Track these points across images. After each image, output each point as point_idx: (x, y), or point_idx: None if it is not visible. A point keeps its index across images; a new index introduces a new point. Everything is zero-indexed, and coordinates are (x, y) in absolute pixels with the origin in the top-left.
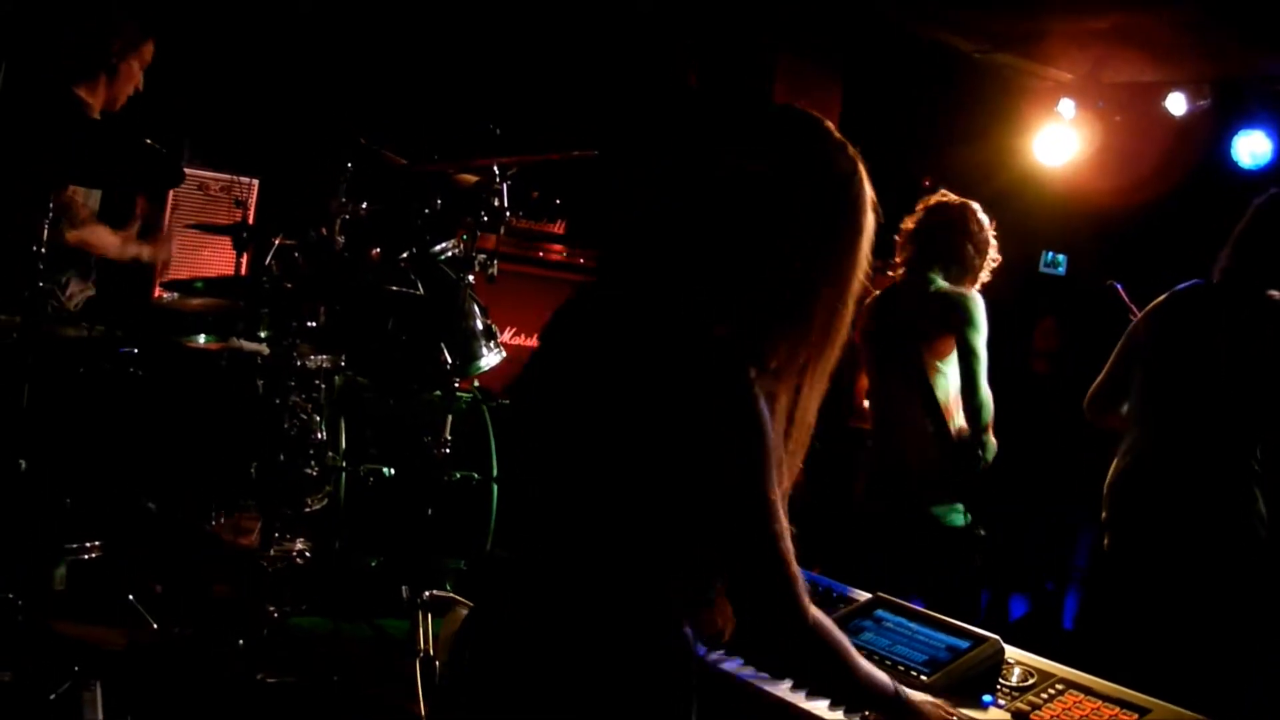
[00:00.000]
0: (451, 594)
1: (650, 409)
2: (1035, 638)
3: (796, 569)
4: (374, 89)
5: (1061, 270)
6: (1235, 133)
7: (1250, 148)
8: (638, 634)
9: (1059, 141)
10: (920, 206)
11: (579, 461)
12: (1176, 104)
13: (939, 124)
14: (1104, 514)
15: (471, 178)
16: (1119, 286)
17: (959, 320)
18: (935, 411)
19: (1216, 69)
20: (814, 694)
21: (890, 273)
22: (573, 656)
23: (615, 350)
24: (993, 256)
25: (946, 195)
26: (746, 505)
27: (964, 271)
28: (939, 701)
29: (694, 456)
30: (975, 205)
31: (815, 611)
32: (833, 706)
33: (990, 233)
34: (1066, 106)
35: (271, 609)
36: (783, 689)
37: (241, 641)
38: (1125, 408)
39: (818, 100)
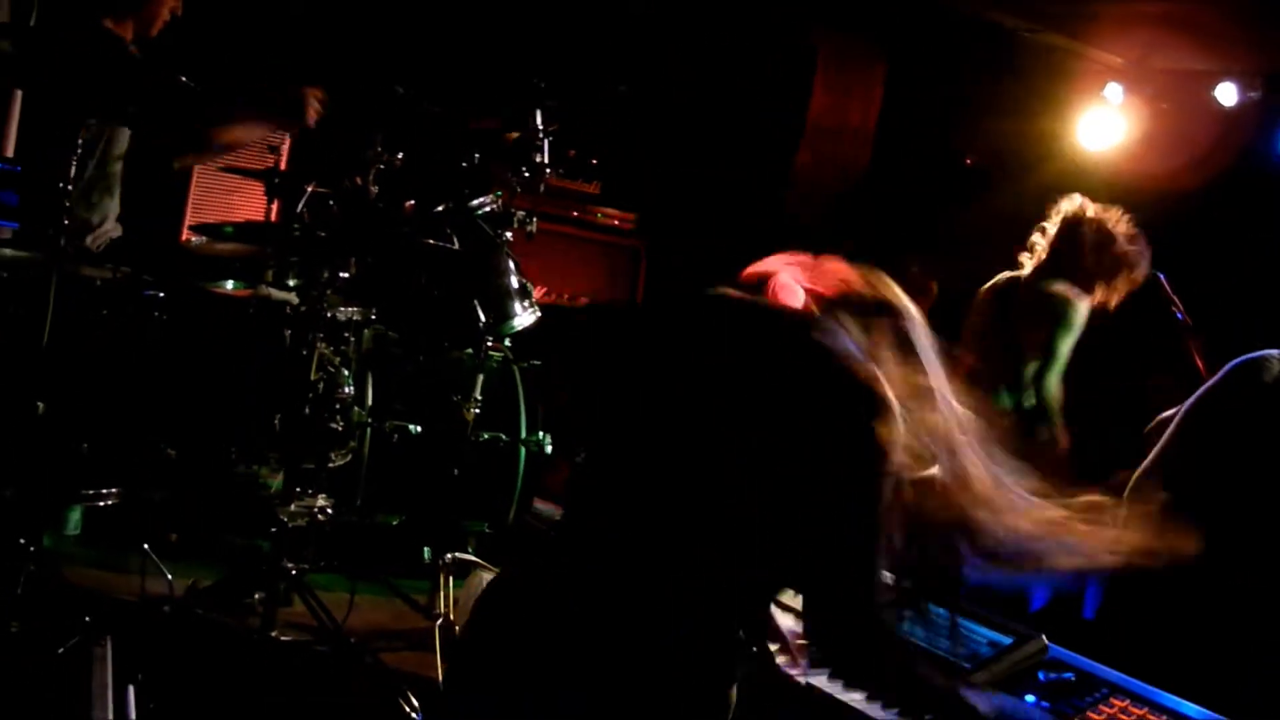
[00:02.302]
0: (473, 557)
1: (788, 407)
2: (1055, 628)
3: (878, 577)
4: (415, 37)
5: None
6: None
7: None
8: (694, 629)
9: (1104, 126)
10: (1058, 213)
11: (687, 451)
12: (1227, 94)
13: (984, 102)
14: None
15: (512, 133)
16: (1163, 277)
17: (1053, 319)
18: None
19: (1269, 61)
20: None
21: (1015, 271)
22: (619, 642)
23: (757, 349)
24: (1131, 277)
25: (1086, 208)
26: (865, 510)
27: (1087, 285)
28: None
29: (829, 459)
30: (1114, 226)
31: (889, 617)
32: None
33: (1128, 253)
34: (1114, 90)
35: (290, 565)
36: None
37: (258, 597)
38: None
39: (859, 78)
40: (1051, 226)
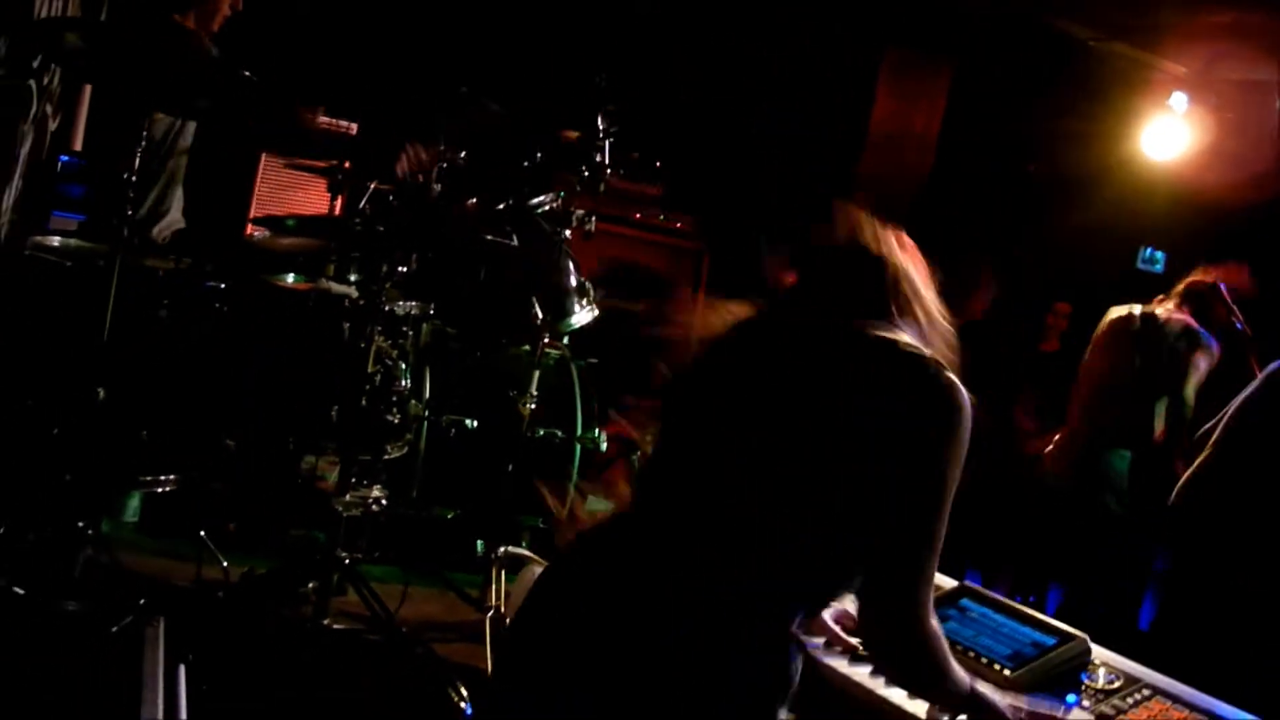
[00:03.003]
0: (526, 551)
1: (872, 417)
2: (1110, 638)
3: (931, 588)
4: (479, 37)
5: (1159, 268)
6: None
7: None
8: (752, 629)
9: (1169, 135)
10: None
11: (770, 456)
12: None
13: (1048, 111)
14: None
15: (574, 133)
16: (1222, 287)
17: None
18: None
19: None
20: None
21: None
22: (677, 636)
23: (844, 361)
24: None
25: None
26: (928, 521)
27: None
28: (1016, 703)
29: (905, 467)
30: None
31: (933, 624)
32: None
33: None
34: (1179, 100)
35: (344, 554)
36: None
37: (311, 585)
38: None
39: (923, 85)
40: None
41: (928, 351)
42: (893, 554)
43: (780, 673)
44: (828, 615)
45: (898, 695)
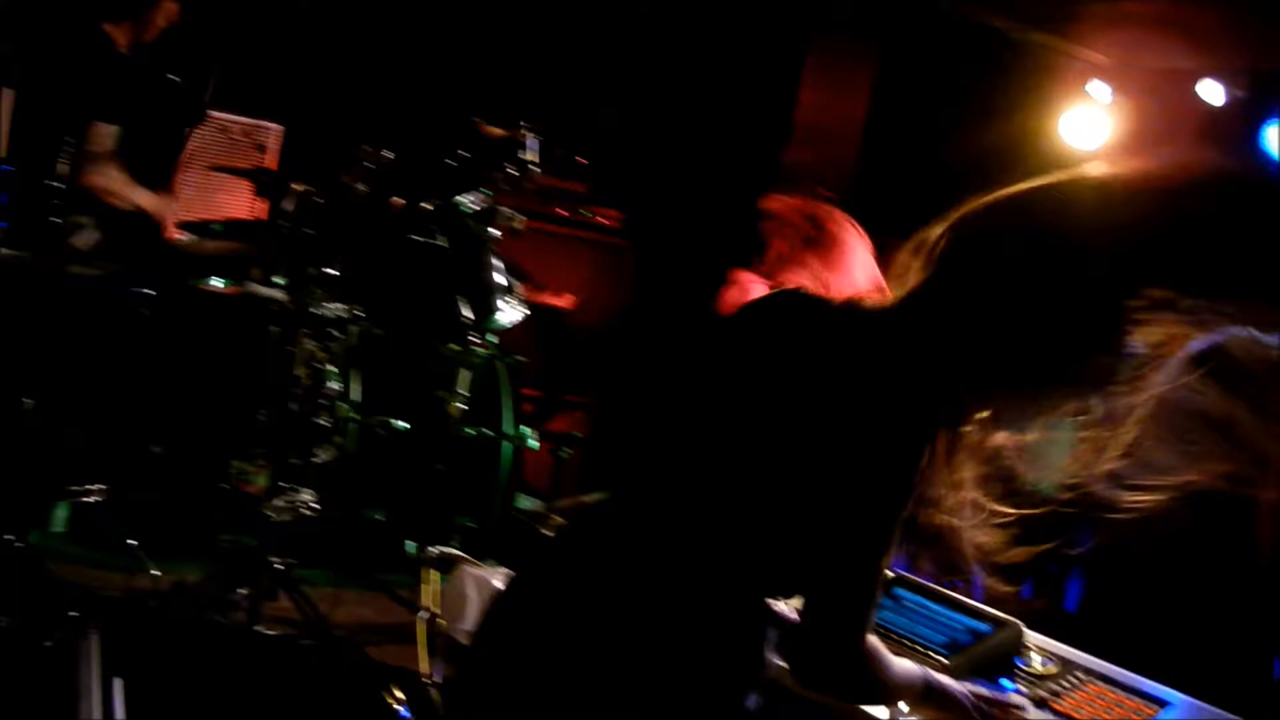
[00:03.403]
0: (458, 552)
1: (847, 423)
2: (1038, 621)
3: (876, 605)
4: (404, 38)
5: None
6: (1270, 123)
7: None
8: (723, 625)
9: (1090, 124)
10: None
11: (747, 447)
12: (1213, 92)
13: (970, 101)
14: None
15: (499, 131)
16: None
17: None
18: None
19: (1255, 58)
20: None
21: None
22: (651, 636)
23: (825, 358)
24: None
25: None
26: (867, 532)
27: None
28: (974, 689)
29: (853, 472)
30: None
31: (872, 641)
32: None
33: None
34: (1100, 89)
35: (275, 560)
36: None
37: (243, 592)
38: None
39: (849, 79)
40: None
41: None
42: (838, 565)
43: (753, 656)
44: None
45: None
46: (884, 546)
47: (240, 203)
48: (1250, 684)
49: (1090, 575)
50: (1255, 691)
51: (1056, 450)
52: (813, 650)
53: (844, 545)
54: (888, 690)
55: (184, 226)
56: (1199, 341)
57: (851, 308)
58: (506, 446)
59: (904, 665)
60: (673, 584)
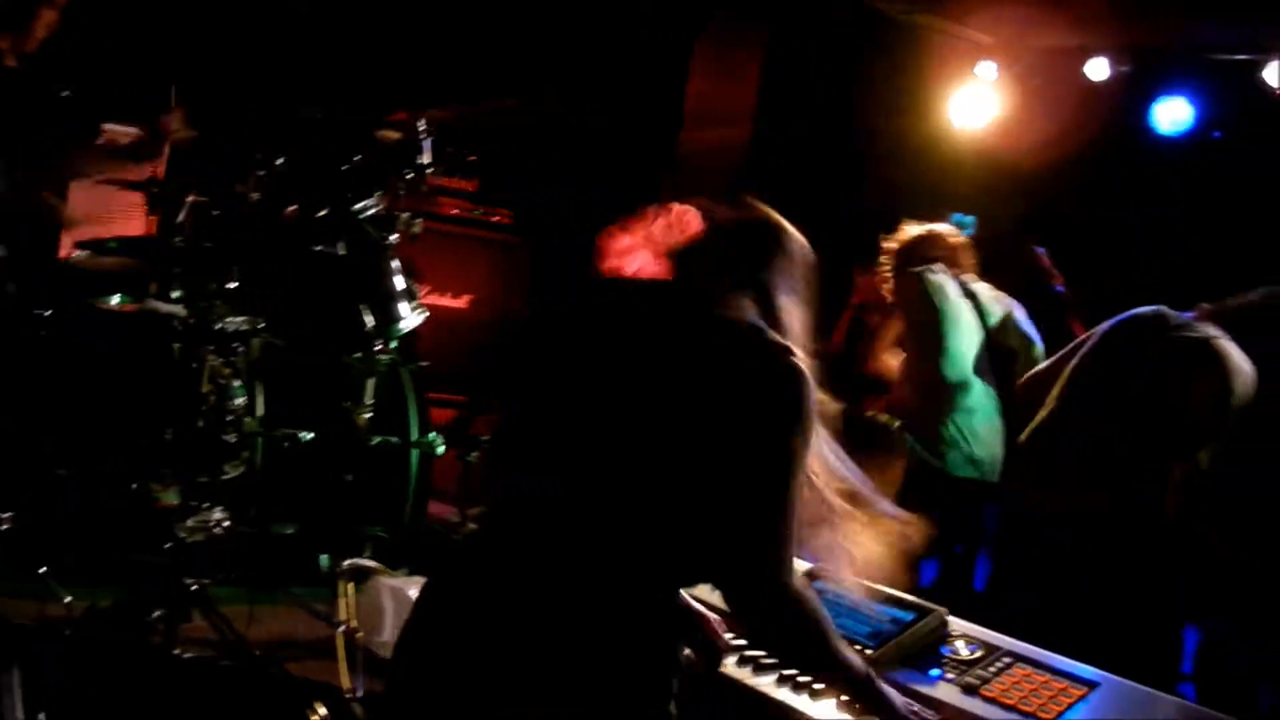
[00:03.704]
0: (372, 563)
1: (714, 397)
2: (947, 600)
3: (792, 544)
4: (292, 40)
5: (970, 232)
6: (1156, 99)
7: (1170, 115)
8: (634, 612)
9: (977, 103)
10: None
11: (616, 436)
12: (1098, 69)
13: (859, 85)
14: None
15: (394, 134)
16: (1041, 251)
17: None
18: None
19: (1138, 36)
20: (790, 666)
21: None
22: (565, 632)
23: (669, 340)
24: None
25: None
26: (776, 492)
27: None
28: (913, 705)
29: (748, 445)
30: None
31: (800, 585)
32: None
33: None
34: (987, 69)
35: (190, 581)
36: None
37: (158, 614)
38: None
39: (739, 63)
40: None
41: (771, 333)
42: (745, 526)
43: (666, 649)
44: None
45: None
46: (787, 484)
47: (132, 217)
48: (1158, 654)
49: (998, 554)
50: (1163, 661)
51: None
52: (741, 593)
53: (749, 489)
54: (829, 643)
55: (80, 245)
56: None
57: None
58: (414, 453)
59: (850, 650)
60: (578, 582)
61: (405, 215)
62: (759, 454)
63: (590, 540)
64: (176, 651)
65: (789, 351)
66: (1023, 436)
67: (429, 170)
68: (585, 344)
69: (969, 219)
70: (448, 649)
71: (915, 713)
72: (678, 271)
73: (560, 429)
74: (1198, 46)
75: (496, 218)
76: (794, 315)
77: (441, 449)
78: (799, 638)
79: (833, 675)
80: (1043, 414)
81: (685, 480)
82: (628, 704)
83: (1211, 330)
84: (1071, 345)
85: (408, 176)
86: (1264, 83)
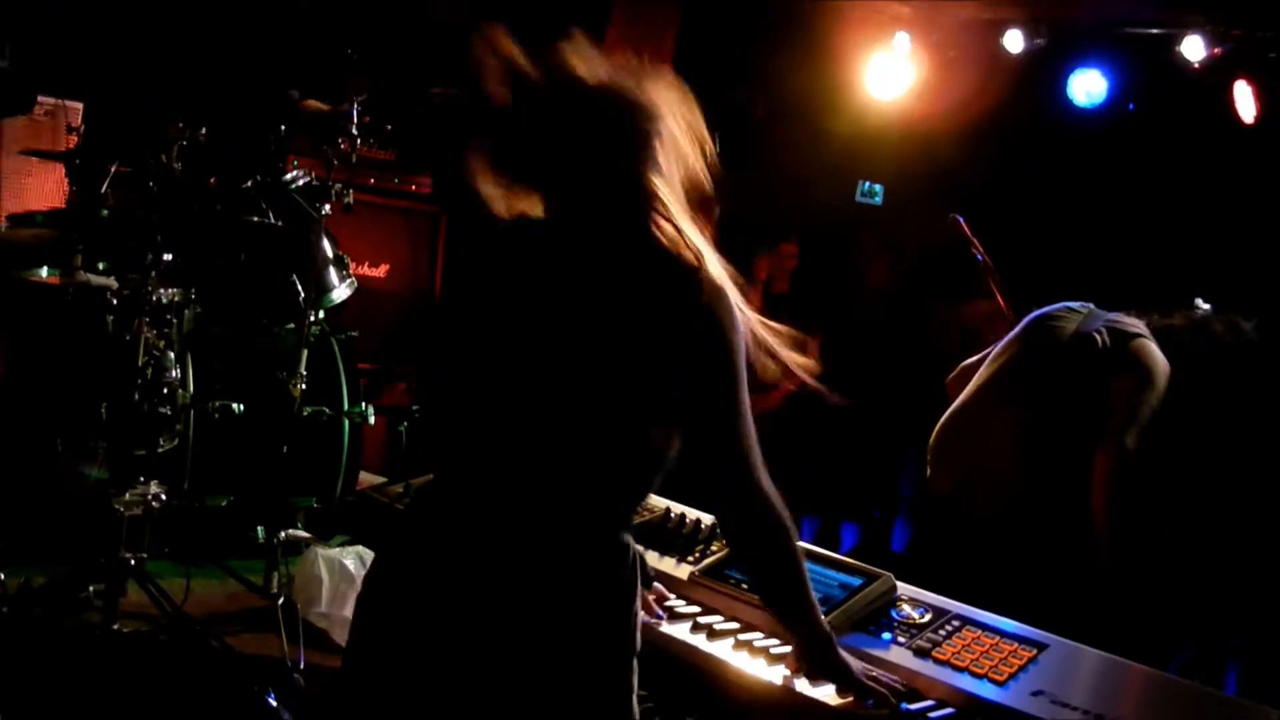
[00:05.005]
0: (306, 534)
1: (639, 321)
2: (868, 562)
3: (757, 455)
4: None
5: (878, 200)
6: (1071, 72)
7: (1085, 87)
8: (590, 544)
9: (892, 74)
10: None
11: (546, 382)
12: (1014, 42)
13: (774, 54)
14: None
15: (322, 105)
16: (961, 220)
17: None
18: None
19: (1053, 9)
20: (764, 590)
21: None
22: (528, 570)
23: (589, 276)
24: None
25: None
26: (727, 398)
27: None
28: (870, 668)
29: (685, 351)
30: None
31: (771, 486)
32: (773, 610)
33: None
34: (902, 40)
35: (126, 555)
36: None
37: (93, 589)
38: None
39: (654, 30)
40: None
41: (683, 250)
42: (706, 435)
43: (625, 572)
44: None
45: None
46: (740, 395)
47: (48, 187)
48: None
49: (916, 518)
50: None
51: None
52: (719, 497)
53: (706, 410)
54: (797, 564)
55: (10, 219)
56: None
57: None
58: (346, 424)
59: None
60: (543, 528)
61: (338, 186)
62: (699, 369)
63: (550, 485)
64: (115, 627)
65: (704, 268)
66: (940, 423)
67: (358, 141)
68: (501, 297)
69: (878, 187)
70: (415, 617)
71: (874, 678)
72: (546, 199)
73: (498, 382)
74: (1113, 20)
75: (414, 187)
76: (682, 213)
77: (372, 418)
78: (770, 537)
79: (802, 612)
80: (960, 400)
81: (636, 414)
82: (596, 654)
83: (1137, 327)
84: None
85: (340, 147)
86: (1182, 57)
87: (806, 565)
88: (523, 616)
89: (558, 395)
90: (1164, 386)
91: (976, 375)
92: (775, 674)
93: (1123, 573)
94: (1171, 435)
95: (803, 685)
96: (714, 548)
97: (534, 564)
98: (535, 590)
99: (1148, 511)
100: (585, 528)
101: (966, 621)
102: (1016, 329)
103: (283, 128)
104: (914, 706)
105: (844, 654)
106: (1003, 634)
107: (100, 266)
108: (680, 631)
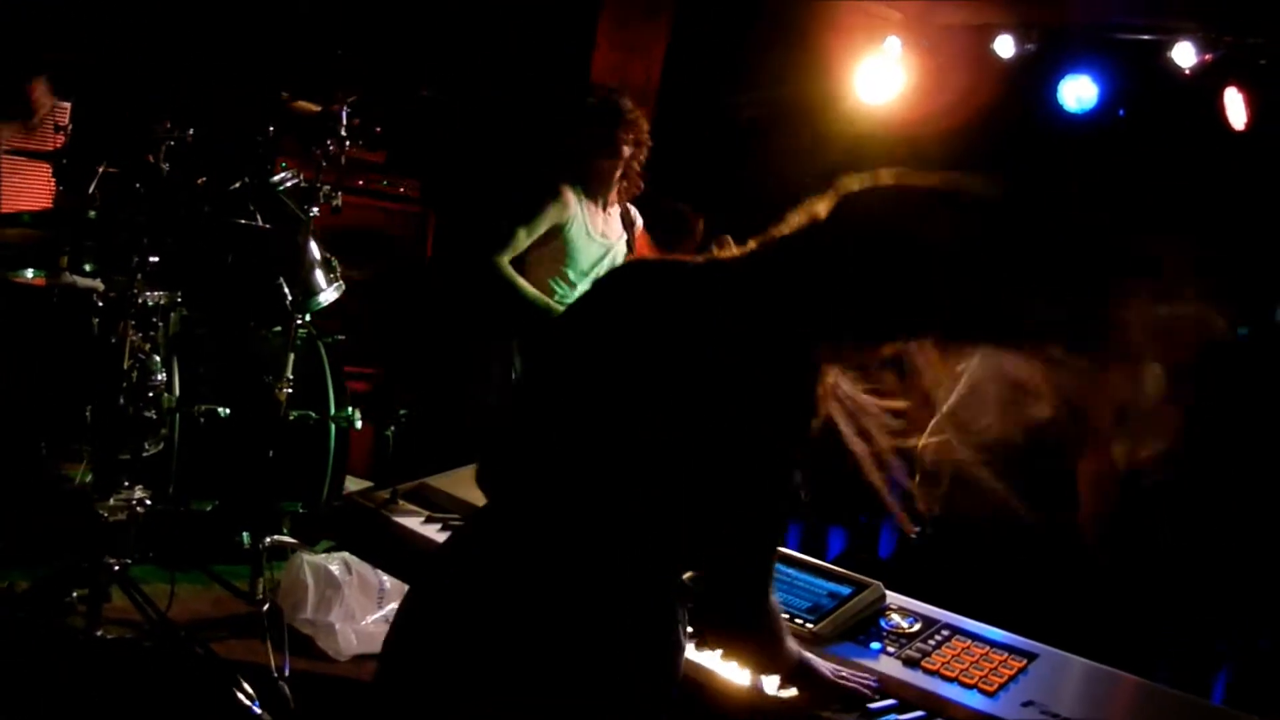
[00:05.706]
0: (292, 539)
1: (735, 388)
2: (855, 567)
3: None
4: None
5: None
6: (1062, 77)
7: (1076, 92)
8: (643, 602)
9: (882, 79)
10: None
11: (638, 440)
12: (1004, 46)
13: (764, 58)
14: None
15: (311, 106)
16: None
17: None
18: None
19: (1045, 14)
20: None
21: None
22: (584, 620)
23: (703, 327)
24: None
25: None
26: (777, 488)
27: None
28: (841, 669)
29: (745, 423)
30: None
31: (773, 600)
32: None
33: None
34: (892, 44)
35: (110, 560)
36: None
37: (77, 595)
38: None
39: (643, 38)
40: None
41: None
42: (747, 532)
43: (670, 635)
44: None
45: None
46: (784, 499)
47: (32, 187)
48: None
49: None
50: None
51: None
52: (723, 599)
53: (749, 503)
54: (781, 652)
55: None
56: None
57: (710, 262)
58: (332, 428)
59: (789, 642)
60: (582, 579)
61: (326, 188)
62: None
63: (617, 541)
64: (98, 633)
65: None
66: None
67: (347, 143)
68: (603, 333)
69: None
70: (459, 645)
71: (844, 678)
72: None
73: (579, 421)
74: (1104, 26)
75: (403, 189)
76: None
77: (359, 423)
78: (761, 650)
79: (772, 671)
80: (943, 409)
81: (698, 475)
82: (637, 688)
83: None
84: None
85: (329, 149)
86: (1172, 62)
87: (795, 573)
88: (567, 662)
89: (644, 455)
90: (1153, 388)
91: (965, 377)
92: (744, 676)
93: (1121, 574)
94: (1169, 435)
95: (771, 687)
96: None
97: (585, 612)
98: (583, 637)
99: (1147, 512)
100: (641, 586)
101: (956, 631)
102: None
103: (271, 129)
104: (876, 705)
105: (814, 662)
106: (992, 644)
107: (86, 268)
108: None
